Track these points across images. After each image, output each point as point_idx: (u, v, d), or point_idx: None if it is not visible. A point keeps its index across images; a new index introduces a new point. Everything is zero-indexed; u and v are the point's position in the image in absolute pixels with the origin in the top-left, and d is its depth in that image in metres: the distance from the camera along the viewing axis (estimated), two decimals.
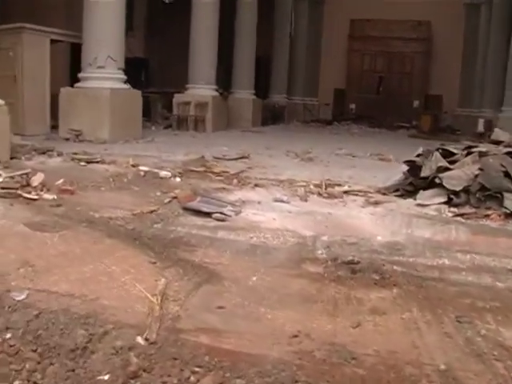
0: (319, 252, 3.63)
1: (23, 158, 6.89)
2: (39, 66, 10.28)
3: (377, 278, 3.24)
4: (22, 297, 2.49)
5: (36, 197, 4.41)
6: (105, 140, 9.56)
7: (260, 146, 10.61)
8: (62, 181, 5.00)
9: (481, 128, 17.76)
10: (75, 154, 7.43)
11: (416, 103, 22.19)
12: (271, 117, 18.53)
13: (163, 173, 5.91)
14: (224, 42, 14.96)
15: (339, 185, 6.39)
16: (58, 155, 7.38)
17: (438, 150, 6.03)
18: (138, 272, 2.93)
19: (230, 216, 4.28)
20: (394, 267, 3.47)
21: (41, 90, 10.31)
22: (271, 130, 16.09)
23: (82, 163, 6.68)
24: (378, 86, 22.47)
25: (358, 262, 3.37)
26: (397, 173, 6.69)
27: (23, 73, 9.95)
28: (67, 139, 9.57)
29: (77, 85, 10.00)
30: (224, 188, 5.55)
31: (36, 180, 4.69)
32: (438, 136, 18.26)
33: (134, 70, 12.86)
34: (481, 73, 20.33)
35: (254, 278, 3.03)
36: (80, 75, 10.04)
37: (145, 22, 18.08)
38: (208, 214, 4.23)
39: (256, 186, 5.82)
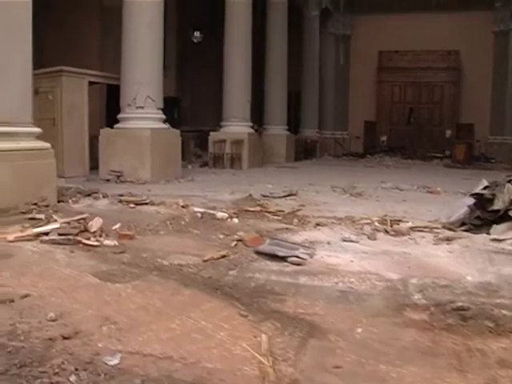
0: (415, 297, 3.30)
1: (70, 201, 6.70)
2: (78, 108, 10.22)
3: (490, 325, 2.90)
4: (116, 361, 2.20)
5: (97, 243, 4.16)
6: (146, 180, 9.39)
7: (302, 182, 10.35)
8: (119, 225, 4.76)
9: None
10: (121, 195, 7.24)
11: (448, 133, 21.88)
12: (303, 152, 18.33)
13: (220, 214, 5.64)
14: (254, 76, 14.84)
15: (399, 220, 6.06)
16: (104, 197, 7.18)
17: (509, 181, 5.68)
18: (233, 327, 2.63)
19: (305, 259, 3.98)
20: (503, 312, 3.12)
21: (80, 132, 10.23)
22: (306, 166, 15.86)
23: (131, 205, 6.46)
24: (408, 117, 22.21)
25: (468, 309, 3.03)
26: (460, 206, 6.34)
27: (62, 115, 9.89)
28: (108, 180, 9.42)
29: (116, 126, 9.88)
30: (287, 228, 5.26)
31: (94, 225, 4.45)
32: (473, 165, 17.91)
33: (167, 110, 12.80)
34: None
35: (360, 330, 2.71)
36: (119, 116, 9.92)
37: (176, 61, 18.11)
38: (282, 258, 3.93)
39: (317, 225, 5.52)
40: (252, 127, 14.11)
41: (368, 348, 2.51)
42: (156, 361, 2.23)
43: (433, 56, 21.65)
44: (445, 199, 8.53)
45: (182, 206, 6.42)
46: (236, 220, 5.55)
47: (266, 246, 4.07)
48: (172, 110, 16.77)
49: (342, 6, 21.97)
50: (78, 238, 4.18)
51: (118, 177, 9.52)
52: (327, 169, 14.93)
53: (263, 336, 2.50)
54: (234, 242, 4.45)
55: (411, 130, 21.93)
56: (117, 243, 4.20)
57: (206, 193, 8.17)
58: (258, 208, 6.28)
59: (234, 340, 2.47)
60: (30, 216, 5.47)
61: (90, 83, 10.66)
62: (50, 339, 2.38)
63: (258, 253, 4.03)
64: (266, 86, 16.16)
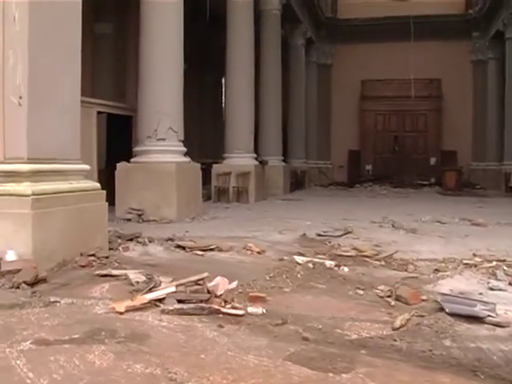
0: None
1: (120, 248, 5.74)
2: (86, 140, 9.19)
3: None
4: None
5: (241, 312, 3.28)
6: (171, 219, 8.49)
7: (333, 216, 9.64)
8: (235, 284, 3.87)
9: None
10: (170, 240, 6.33)
11: (433, 160, 21.74)
12: (295, 182, 17.66)
13: (328, 262, 4.83)
14: None
15: (503, 260, 5.41)
16: (150, 242, 6.24)
17: None
18: None
19: (494, 317, 3.25)
20: None
21: (89, 165, 9.19)
22: (307, 197, 15.22)
23: (199, 253, 5.55)
24: (393, 146, 21.94)
25: None
26: None
27: None
28: (129, 220, 8.45)
29: (134, 159, 8.95)
30: (415, 277, 4.50)
31: (221, 287, 3.56)
32: (465, 192, 17.66)
33: None
34: (494, 126, 20.07)
35: None
36: (137, 149, 9.02)
37: None
38: (479, 319, 3.19)
39: (437, 270, 4.80)
40: (256, 159, 13.34)
41: None
42: None
43: (416, 85, 21.49)
44: (498, 231, 8.03)
45: (258, 252, 5.59)
46: (346, 269, 4.74)
47: (455, 306, 3.31)
48: None
49: (323, 35, 21.75)
50: (215, 307, 3.29)
51: (139, 215, 8.56)
52: (333, 200, 14.30)
53: None
54: (389, 300, 3.67)
55: (396, 159, 21.66)
56: (264, 310, 3.33)
57: (252, 233, 7.32)
58: (353, 252, 5.49)
59: None
60: (101, 272, 4.53)
61: (99, 113, 9.71)
62: None
63: (451, 314, 3.25)
64: (262, 116, 15.43)
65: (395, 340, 2.87)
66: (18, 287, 4.09)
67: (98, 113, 9.82)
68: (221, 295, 3.54)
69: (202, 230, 7.52)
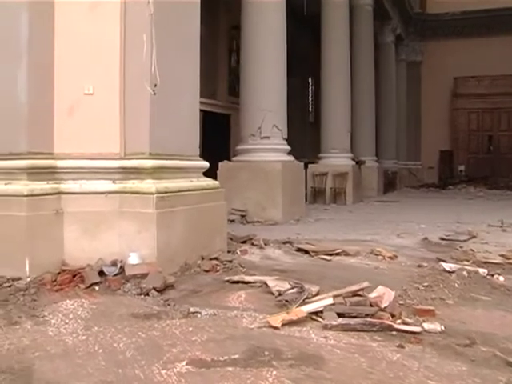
0: None
1: (238, 251, 5.40)
2: None
3: None
4: None
5: (417, 329, 2.83)
6: (277, 221, 8.14)
7: (441, 218, 9.03)
8: (393, 294, 3.40)
9: None
10: (288, 242, 5.94)
11: None
12: (387, 184, 16.96)
13: (481, 270, 4.30)
14: None
15: None
16: (266, 244, 5.87)
17: None
18: None
19: None
20: None
21: None
22: (402, 198, 14.56)
23: (326, 257, 5.13)
24: (487, 145, 20.80)
25: None
26: None
27: None
28: (232, 221, 8.09)
29: (237, 158, 8.65)
30: None
31: (385, 299, 3.11)
32: None
33: None
34: None
35: None
36: (239, 147, 8.72)
37: None
38: None
39: None
40: (353, 159, 12.80)
41: None
42: None
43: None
44: None
45: (390, 257, 5.11)
46: (501, 278, 4.20)
47: None
48: None
49: (412, 31, 20.96)
50: (387, 322, 2.85)
51: (243, 216, 8.24)
52: (431, 202, 13.57)
53: None
54: None
55: (491, 159, 20.51)
56: (443, 327, 2.86)
57: (370, 236, 6.86)
58: (500, 259, 4.92)
59: None
60: (231, 278, 4.18)
61: None
62: None
63: None
64: (355, 115, 14.81)
65: None
66: (147, 294, 3.78)
67: None
68: (385, 308, 3.09)
69: (313, 233, 7.12)
